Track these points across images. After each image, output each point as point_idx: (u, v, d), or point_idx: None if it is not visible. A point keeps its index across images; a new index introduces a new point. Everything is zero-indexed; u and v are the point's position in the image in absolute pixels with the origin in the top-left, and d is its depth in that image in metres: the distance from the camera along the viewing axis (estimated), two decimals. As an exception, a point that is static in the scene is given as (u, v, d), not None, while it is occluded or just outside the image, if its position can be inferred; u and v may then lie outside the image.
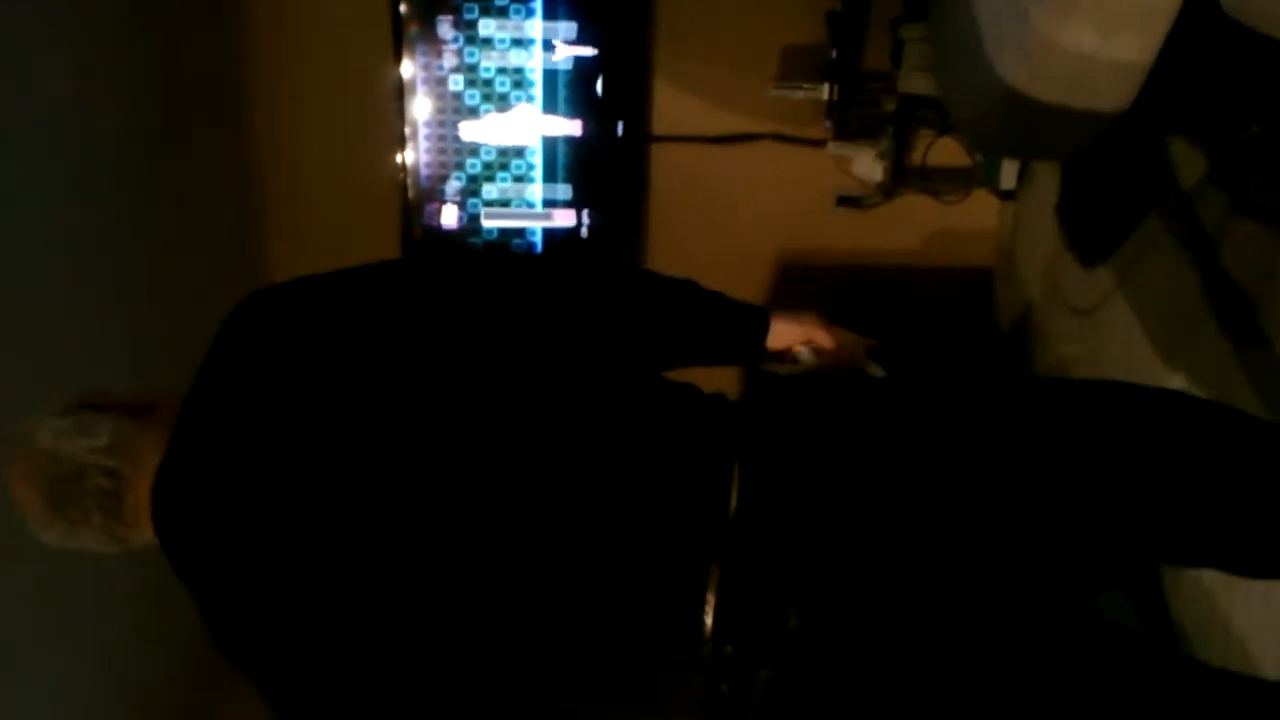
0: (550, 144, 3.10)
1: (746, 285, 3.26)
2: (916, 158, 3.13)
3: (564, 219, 3.15)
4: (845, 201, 3.21)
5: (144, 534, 1.30)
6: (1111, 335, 2.56)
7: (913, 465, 1.19)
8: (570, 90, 3.07)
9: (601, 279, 1.40)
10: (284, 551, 1.24)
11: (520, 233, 3.16)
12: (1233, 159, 2.11)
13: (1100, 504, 1.21)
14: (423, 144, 3.09)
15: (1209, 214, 2.20)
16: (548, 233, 3.15)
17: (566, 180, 3.13)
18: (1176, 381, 2.28)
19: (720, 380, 1.39)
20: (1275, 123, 1.93)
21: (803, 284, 3.29)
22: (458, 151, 3.10)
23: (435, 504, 1.21)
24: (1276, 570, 1.36)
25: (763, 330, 1.46)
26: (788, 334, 1.48)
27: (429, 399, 1.26)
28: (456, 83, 3.06)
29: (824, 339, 1.49)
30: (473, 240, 3.14)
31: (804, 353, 1.49)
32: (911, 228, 3.25)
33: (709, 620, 1.13)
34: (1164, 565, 2.02)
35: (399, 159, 3.10)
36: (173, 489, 1.28)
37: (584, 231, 3.15)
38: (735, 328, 1.46)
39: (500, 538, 1.19)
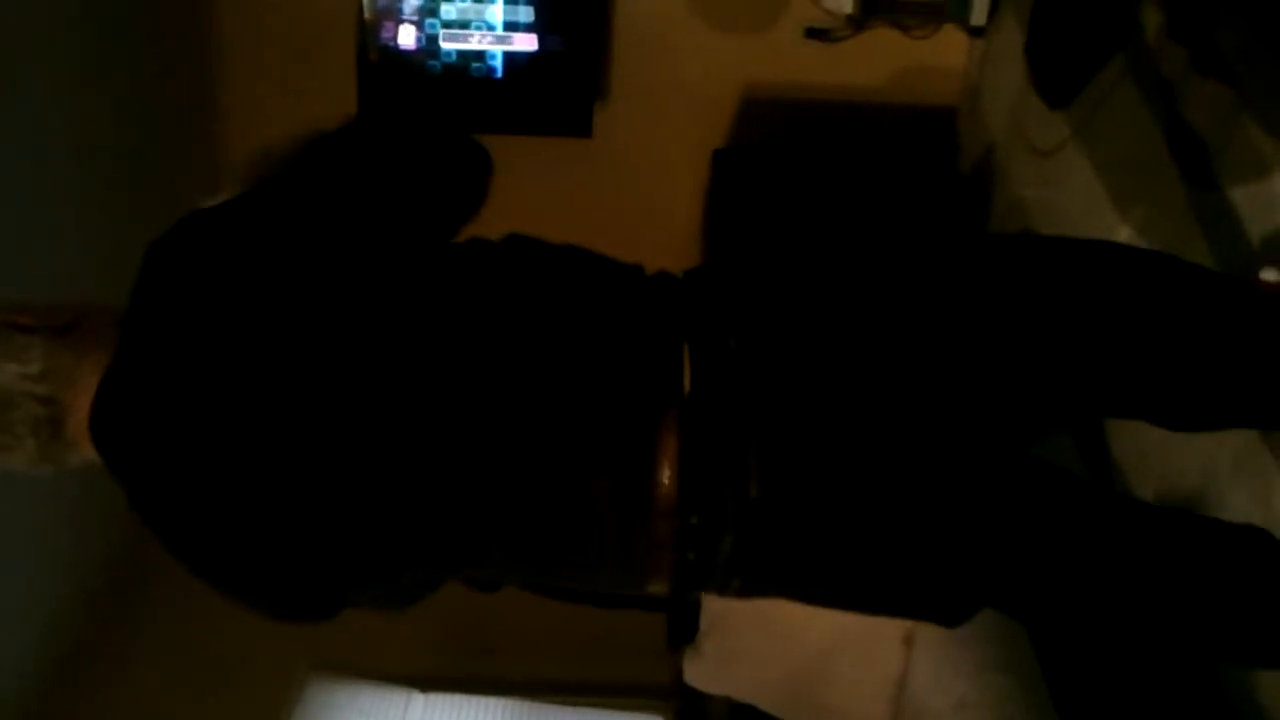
0: (512, -37, 3.00)
1: (707, 119, 3.25)
2: (887, -11, 3.05)
3: (525, 43, 3.06)
4: (813, 34, 3.14)
5: (83, 453, 1.28)
6: (1071, 178, 2.56)
7: (855, 332, 1.22)
8: (533, -94, 2.95)
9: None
10: (227, 444, 1.22)
11: (479, 56, 3.08)
12: (1195, 14, 2.09)
13: (1040, 352, 1.25)
14: (379, -41, 2.98)
15: (1171, 66, 2.19)
16: (508, 57, 3.08)
17: (528, 2, 3.03)
18: (1132, 224, 2.30)
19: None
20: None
21: (765, 119, 3.25)
22: (416, -32, 2.99)
23: (379, 389, 1.21)
24: (1202, 424, 1.40)
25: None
26: None
27: (360, 290, 1.25)
28: (414, -106, 2.93)
29: None
30: (430, 64, 3.06)
31: None
32: (879, 63, 3.20)
33: (672, 495, 1.17)
34: (1096, 416, 2.08)
35: (354, -25, 2.98)
36: (114, 402, 1.24)
37: (545, 57, 3.08)
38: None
39: (451, 423, 1.20)
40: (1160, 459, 2.07)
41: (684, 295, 1.26)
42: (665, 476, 1.17)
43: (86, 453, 1.27)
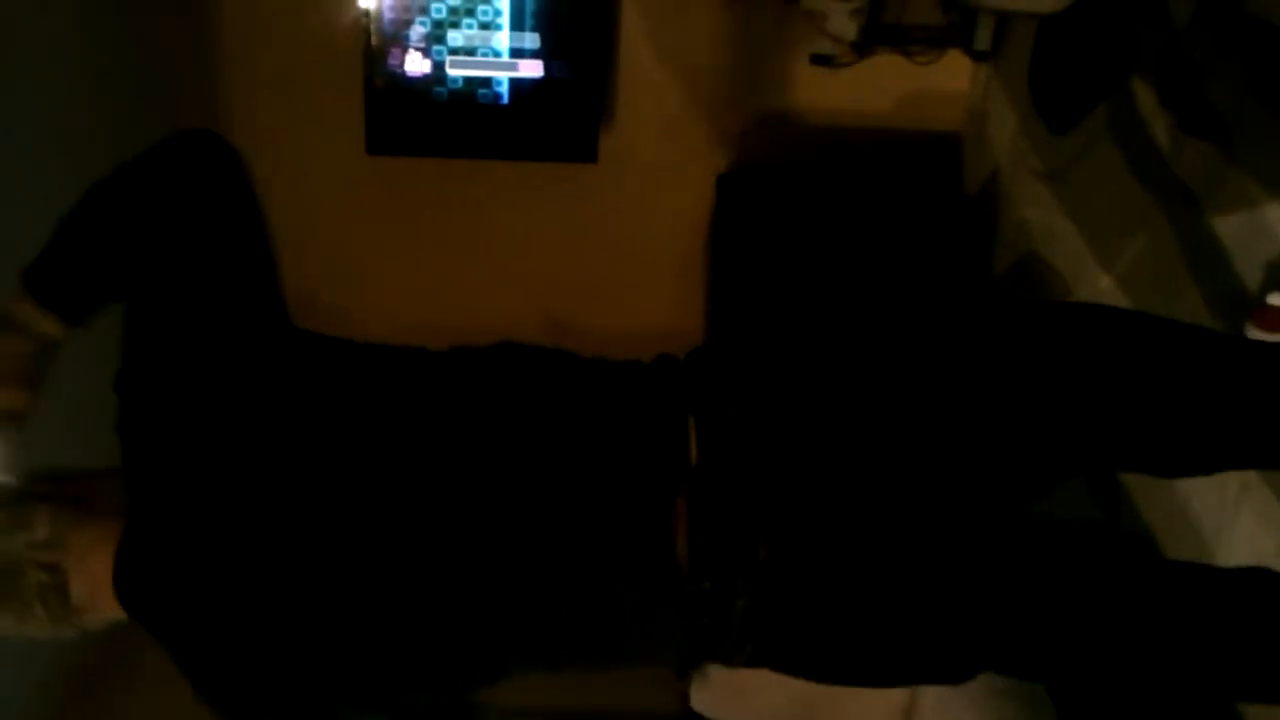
0: (518, -10, 3.02)
1: (713, 144, 3.26)
2: (891, 15, 3.07)
3: (531, 69, 3.08)
4: (818, 60, 3.15)
5: (100, 616, 1.30)
6: (1074, 202, 2.57)
7: (855, 398, 1.26)
8: (539, -66, 2.98)
9: None
10: (260, 581, 1.25)
11: (486, 82, 3.09)
12: (1179, 77, 2.11)
13: (1041, 421, 1.27)
14: (386, -13, 2.99)
15: (1163, 118, 2.20)
16: (514, 83, 3.09)
17: (535, 29, 3.05)
18: (1132, 248, 2.31)
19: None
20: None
21: (770, 144, 3.26)
22: (422, -5, 3.01)
23: (395, 515, 1.23)
24: (1194, 471, 1.41)
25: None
26: None
27: (356, 411, 1.28)
28: (421, -78, 2.96)
29: None
30: (437, 90, 3.07)
31: None
32: (883, 88, 3.21)
33: (685, 562, 1.20)
34: (1092, 473, 2.07)
35: (360, 3, 3.00)
36: (133, 563, 1.27)
37: (551, 83, 3.09)
38: None
39: (470, 523, 1.22)
40: (1168, 487, 2.06)
41: (686, 375, 1.29)
42: (681, 547, 1.20)
43: (102, 614, 1.30)
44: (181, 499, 1.26)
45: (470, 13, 3.03)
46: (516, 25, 3.04)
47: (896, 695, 2.37)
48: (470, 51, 3.06)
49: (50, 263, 1.26)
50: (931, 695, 2.33)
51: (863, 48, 3.08)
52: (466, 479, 1.23)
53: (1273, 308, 1.77)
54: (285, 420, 1.27)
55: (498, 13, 3.03)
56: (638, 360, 1.34)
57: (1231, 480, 1.89)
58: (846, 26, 3.02)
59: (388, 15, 3.02)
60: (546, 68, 3.08)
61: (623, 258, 3.41)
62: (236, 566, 1.25)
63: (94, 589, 1.27)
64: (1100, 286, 2.39)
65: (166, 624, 1.29)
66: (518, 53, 3.07)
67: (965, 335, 1.31)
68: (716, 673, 2.56)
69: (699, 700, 2.67)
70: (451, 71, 3.07)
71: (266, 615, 1.25)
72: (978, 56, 3.10)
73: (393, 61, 3.05)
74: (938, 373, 1.27)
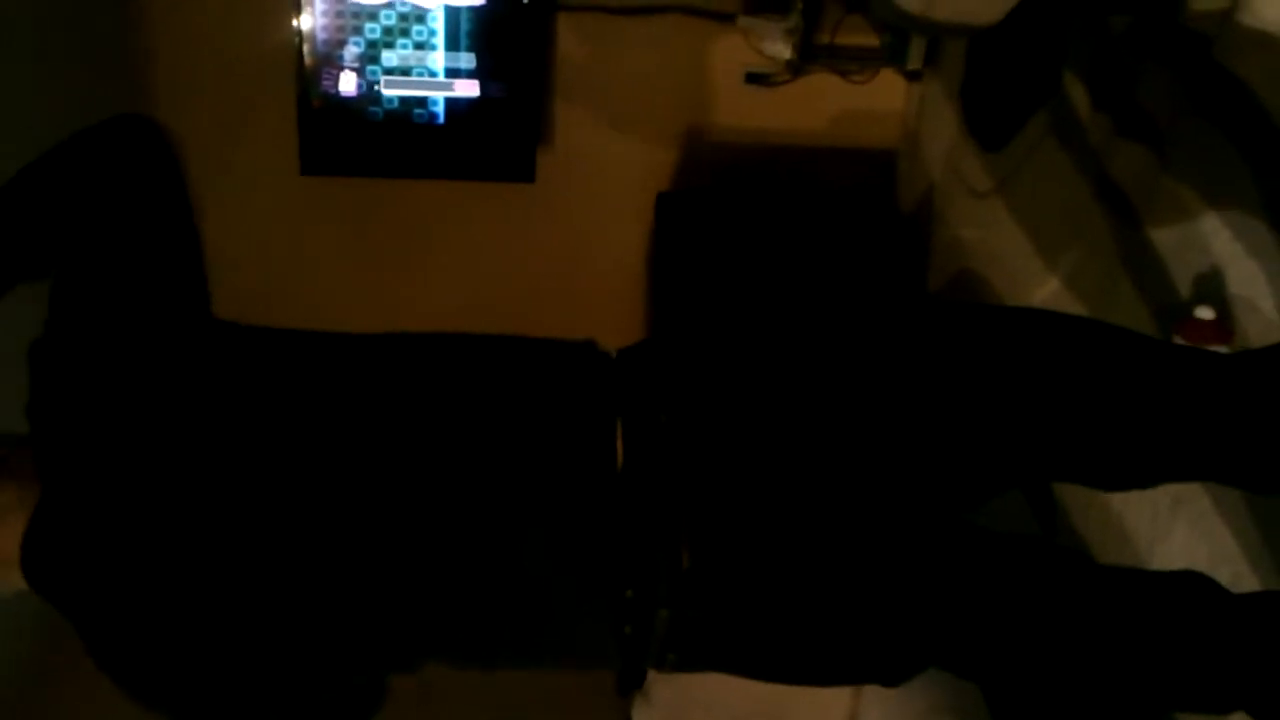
0: (453, 11, 3.00)
1: (650, 163, 3.26)
2: (825, 35, 3.10)
3: (466, 89, 3.07)
4: (753, 79, 3.17)
5: (4, 585, 1.26)
6: (1007, 219, 2.60)
7: (785, 406, 1.25)
8: (473, -46, 2.97)
9: None
10: (166, 561, 1.22)
11: (421, 102, 3.07)
12: (1114, 83, 2.15)
13: (969, 427, 1.26)
14: (319, 6, 2.96)
15: (1099, 121, 2.23)
16: (450, 103, 3.07)
17: (470, 49, 3.04)
18: (1065, 265, 2.34)
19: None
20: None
21: (707, 162, 3.28)
22: (356, 15, 2.98)
23: (316, 499, 1.21)
24: (1132, 485, 1.42)
25: None
26: None
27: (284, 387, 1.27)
28: (354, -58, 2.93)
29: None
30: (372, 110, 3.05)
31: None
32: (818, 107, 3.24)
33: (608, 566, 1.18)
34: (1025, 482, 2.09)
35: (293, 22, 2.97)
36: (43, 538, 1.23)
37: (487, 103, 3.08)
38: None
39: (393, 516, 1.20)
40: (1103, 501, 2.08)
41: (617, 374, 1.28)
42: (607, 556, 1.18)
43: (7, 584, 1.26)
44: (92, 478, 1.23)
45: (405, 33, 3.01)
46: (451, 45, 3.03)
47: (838, 713, 2.37)
48: (405, 71, 3.04)
49: None
50: (872, 714, 2.33)
51: (798, 67, 3.11)
52: (388, 460, 1.21)
53: (1198, 321, 1.79)
54: (198, 405, 1.24)
55: (432, 33, 3.01)
56: (564, 340, 1.33)
57: (1164, 493, 1.92)
58: (781, 46, 3.05)
59: (321, 36, 2.99)
60: (482, 87, 3.06)
61: (563, 277, 3.39)
62: (150, 547, 1.21)
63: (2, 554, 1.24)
64: (1034, 302, 2.43)
65: (72, 601, 1.24)
66: (453, 72, 3.05)
67: (900, 339, 1.30)
68: (659, 693, 2.55)
69: (643, 721, 2.65)
70: (386, 91, 3.05)
71: (180, 596, 1.22)
72: (911, 75, 3.14)
73: (327, 82, 3.02)
74: (870, 378, 1.26)
